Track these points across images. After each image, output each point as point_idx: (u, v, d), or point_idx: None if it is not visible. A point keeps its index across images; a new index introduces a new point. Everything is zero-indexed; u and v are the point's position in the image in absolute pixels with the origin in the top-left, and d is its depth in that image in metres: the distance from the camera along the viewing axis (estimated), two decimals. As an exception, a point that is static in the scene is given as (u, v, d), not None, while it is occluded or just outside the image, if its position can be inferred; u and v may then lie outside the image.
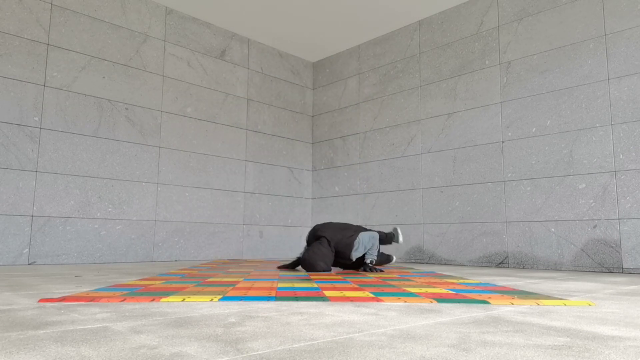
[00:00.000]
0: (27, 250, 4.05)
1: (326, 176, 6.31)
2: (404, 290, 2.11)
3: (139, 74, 4.91)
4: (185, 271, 3.30)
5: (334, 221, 3.68)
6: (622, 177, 3.80)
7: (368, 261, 3.50)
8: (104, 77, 4.65)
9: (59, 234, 4.24)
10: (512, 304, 1.72)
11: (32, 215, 4.10)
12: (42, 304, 1.64)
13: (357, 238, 3.53)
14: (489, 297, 1.87)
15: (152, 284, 2.30)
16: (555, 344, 1.07)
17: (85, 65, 4.54)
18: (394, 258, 4.33)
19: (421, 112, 5.30)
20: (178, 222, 5.07)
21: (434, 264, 4.91)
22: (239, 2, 5.12)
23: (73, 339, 1.07)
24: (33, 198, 4.12)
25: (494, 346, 1.04)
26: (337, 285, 2.38)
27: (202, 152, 5.36)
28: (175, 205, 5.06)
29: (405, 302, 1.76)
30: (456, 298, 1.85)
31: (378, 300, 1.77)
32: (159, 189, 4.95)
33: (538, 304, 1.72)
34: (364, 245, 3.53)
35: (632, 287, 2.47)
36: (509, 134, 4.51)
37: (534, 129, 4.34)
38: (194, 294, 1.89)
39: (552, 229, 4.12)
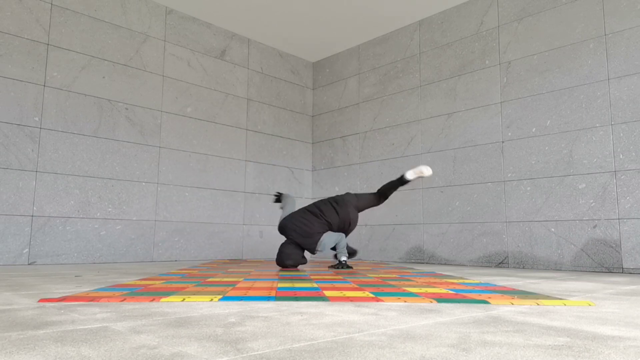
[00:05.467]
0: (27, 250, 4.05)
1: (326, 176, 6.32)
2: (404, 290, 2.11)
3: (139, 74, 4.91)
4: (185, 271, 3.30)
5: (301, 213, 3.82)
6: (622, 177, 3.80)
7: (342, 259, 3.70)
8: (104, 77, 4.66)
9: (59, 234, 4.24)
10: (512, 304, 1.72)
11: (32, 215, 4.10)
12: (42, 304, 1.64)
13: (321, 241, 3.69)
14: (489, 297, 1.87)
15: (152, 284, 2.30)
16: (555, 344, 1.07)
17: (85, 65, 4.54)
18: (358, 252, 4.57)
19: (421, 112, 5.30)
20: (178, 222, 5.07)
21: (434, 264, 4.91)
22: (239, 2, 5.12)
23: (73, 339, 1.07)
24: (33, 198, 4.12)
25: (494, 346, 1.04)
26: (337, 285, 2.38)
27: (202, 152, 5.36)
28: (175, 205, 5.06)
29: (405, 302, 1.76)
30: (456, 298, 1.85)
31: (378, 300, 1.77)
32: (159, 189, 4.95)
33: (538, 304, 1.72)
34: (327, 246, 3.70)
35: (632, 287, 2.47)
36: (509, 134, 4.51)
37: (534, 129, 4.34)
38: (194, 294, 1.89)
39: (552, 229, 4.12)
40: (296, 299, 1.80)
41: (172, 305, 1.64)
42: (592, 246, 3.89)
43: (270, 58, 6.22)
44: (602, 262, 3.82)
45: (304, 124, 6.53)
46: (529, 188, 4.32)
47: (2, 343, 1.03)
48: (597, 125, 3.96)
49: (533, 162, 4.31)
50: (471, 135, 4.81)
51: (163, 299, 1.73)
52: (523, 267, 4.25)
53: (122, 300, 1.70)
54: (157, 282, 2.44)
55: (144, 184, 4.84)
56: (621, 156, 3.82)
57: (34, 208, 4.12)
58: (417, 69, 5.41)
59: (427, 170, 3.87)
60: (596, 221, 3.89)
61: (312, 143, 6.59)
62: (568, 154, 4.10)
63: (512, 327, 1.28)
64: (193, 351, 0.97)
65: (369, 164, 5.77)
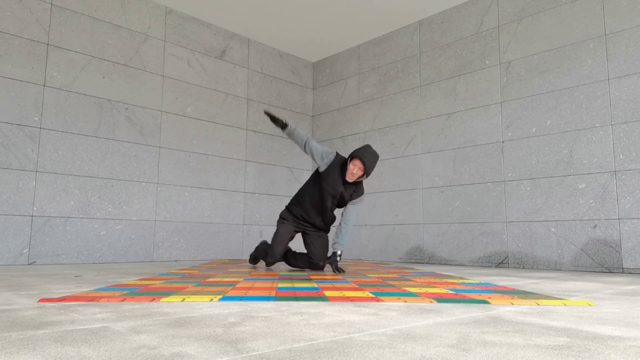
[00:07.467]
0: (27, 250, 4.05)
1: (326, 176, 6.31)
2: (404, 290, 2.11)
3: (139, 74, 4.91)
4: (185, 271, 3.30)
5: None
6: (622, 177, 3.80)
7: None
8: (104, 77, 4.65)
9: (59, 234, 4.24)
10: (512, 304, 1.72)
11: (32, 215, 4.10)
12: (42, 304, 1.64)
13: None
14: (489, 297, 1.87)
15: (152, 284, 2.30)
16: (555, 344, 1.07)
17: (85, 65, 4.54)
18: None
19: (421, 112, 5.30)
20: (178, 222, 5.06)
21: (434, 264, 4.91)
22: (239, 2, 5.12)
23: (73, 339, 1.07)
24: (33, 198, 4.12)
25: (494, 346, 1.04)
26: (337, 285, 2.38)
27: (202, 152, 5.36)
28: (175, 205, 5.06)
29: (405, 302, 1.76)
30: (456, 298, 1.85)
31: (378, 300, 1.77)
32: (159, 189, 4.95)
33: (538, 304, 1.72)
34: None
35: (632, 287, 2.47)
36: (509, 134, 4.51)
37: (534, 129, 4.34)
38: (194, 294, 1.89)
39: (552, 229, 4.12)
40: (296, 299, 1.80)
41: (172, 305, 1.64)
42: (592, 246, 3.89)
43: (270, 58, 6.22)
44: (602, 262, 3.82)
45: (304, 124, 6.52)
46: (529, 188, 4.32)
47: (2, 343, 1.03)
48: (597, 125, 3.96)
49: (533, 162, 4.31)
50: (471, 135, 4.81)
51: (163, 299, 1.73)
52: (523, 267, 4.25)
53: (122, 300, 1.70)
54: (157, 282, 2.44)
55: (144, 184, 4.84)
56: (621, 156, 3.82)
57: (34, 208, 4.12)
58: (417, 69, 5.41)
59: None
60: (596, 221, 3.89)
61: (312, 143, 6.58)
62: (568, 154, 4.10)
63: (512, 327, 1.28)
64: (193, 351, 0.97)
65: (369, 164, 5.76)
